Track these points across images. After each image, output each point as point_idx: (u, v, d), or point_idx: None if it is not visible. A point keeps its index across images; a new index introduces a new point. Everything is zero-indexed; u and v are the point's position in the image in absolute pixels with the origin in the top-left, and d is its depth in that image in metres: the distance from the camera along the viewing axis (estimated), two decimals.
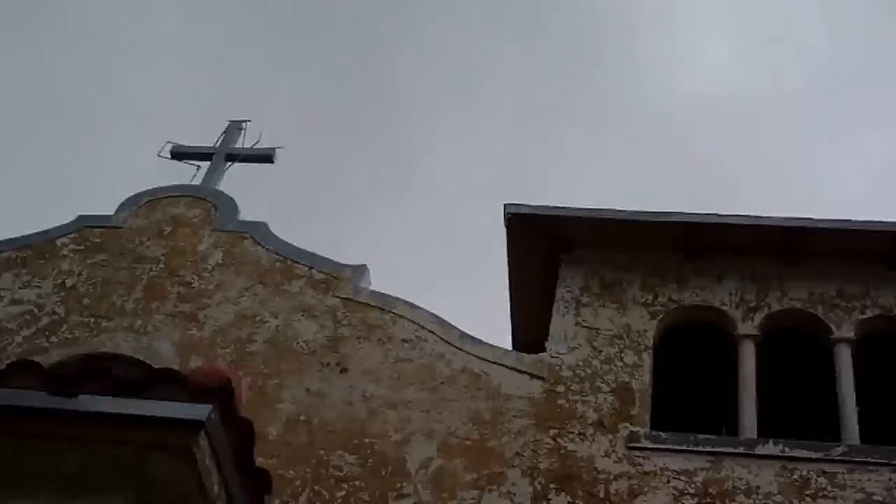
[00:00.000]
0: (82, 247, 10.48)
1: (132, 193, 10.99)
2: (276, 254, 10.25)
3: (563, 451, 8.74)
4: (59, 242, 10.52)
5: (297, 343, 9.55)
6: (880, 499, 8.30)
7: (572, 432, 8.87)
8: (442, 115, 28.76)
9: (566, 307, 9.76)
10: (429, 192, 27.95)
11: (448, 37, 27.53)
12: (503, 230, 10.12)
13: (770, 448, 8.66)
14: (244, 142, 11.83)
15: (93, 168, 25.69)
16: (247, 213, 10.76)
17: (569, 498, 8.44)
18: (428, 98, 29.23)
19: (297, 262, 10.17)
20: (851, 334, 9.47)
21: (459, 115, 28.53)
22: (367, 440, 8.86)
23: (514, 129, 27.60)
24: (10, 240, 10.59)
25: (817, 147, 27.89)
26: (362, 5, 27.62)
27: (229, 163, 11.61)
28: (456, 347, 9.41)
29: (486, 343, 9.50)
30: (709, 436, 8.85)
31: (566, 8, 27.87)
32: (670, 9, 28.70)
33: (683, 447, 8.69)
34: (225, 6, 27.39)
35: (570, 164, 26.95)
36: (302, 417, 9.02)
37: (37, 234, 10.61)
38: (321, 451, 8.80)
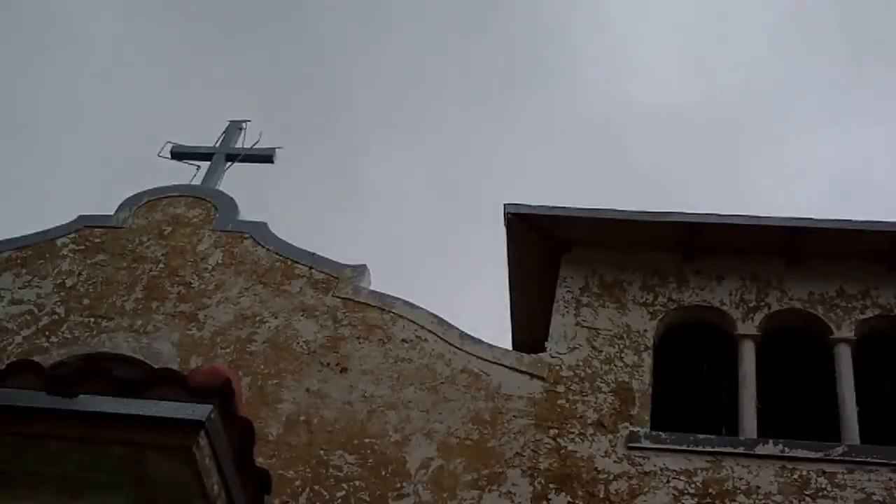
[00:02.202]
0: (82, 247, 10.48)
1: (132, 193, 11.00)
2: (276, 254, 10.26)
3: (563, 451, 8.75)
4: (59, 242, 10.53)
5: (297, 343, 9.55)
6: (880, 499, 8.29)
7: (572, 432, 8.87)
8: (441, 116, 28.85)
9: (566, 307, 9.76)
10: (428, 191, 27.98)
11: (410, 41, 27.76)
12: (503, 230, 10.13)
13: (770, 448, 8.66)
14: (244, 142, 11.86)
15: (93, 168, 25.71)
16: (247, 213, 10.77)
17: (569, 498, 8.44)
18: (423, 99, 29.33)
19: (297, 262, 10.17)
20: (851, 334, 9.47)
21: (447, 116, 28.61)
22: (367, 440, 8.86)
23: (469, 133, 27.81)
24: (10, 240, 10.59)
25: (760, 151, 28.10)
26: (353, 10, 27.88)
27: (229, 163, 11.63)
28: (456, 347, 9.42)
29: (486, 343, 9.50)
30: (709, 436, 8.84)
31: (511, 18, 28.10)
32: (614, 20, 28.87)
33: (683, 447, 8.69)
34: (225, 7, 27.39)
35: (522, 170, 27.14)
36: (302, 417, 9.02)
37: (37, 234, 10.62)
38: (321, 451, 8.80)
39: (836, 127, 27.98)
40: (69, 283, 10.16)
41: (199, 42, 27.91)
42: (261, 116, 13.37)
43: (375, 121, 27.95)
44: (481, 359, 9.35)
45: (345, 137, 26.85)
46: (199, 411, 5.79)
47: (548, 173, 25.74)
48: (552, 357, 9.38)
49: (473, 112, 28.55)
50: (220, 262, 10.24)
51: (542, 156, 27.56)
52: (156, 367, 8.64)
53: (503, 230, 10.12)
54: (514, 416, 8.99)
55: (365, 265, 10.17)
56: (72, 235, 10.59)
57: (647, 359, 9.37)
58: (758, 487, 8.42)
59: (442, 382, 9.22)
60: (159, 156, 11.68)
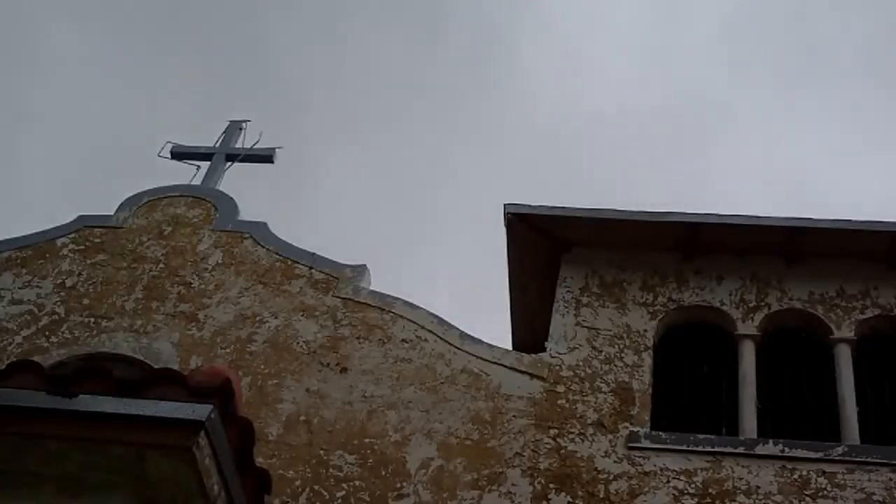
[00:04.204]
0: (82, 247, 10.48)
1: (132, 193, 11.00)
2: (276, 254, 10.26)
3: (563, 451, 8.75)
4: (59, 242, 10.53)
5: (297, 343, 9.55)
6: (880, 499, 8.30)
7: (572, 432, 8.87)
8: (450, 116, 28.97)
9: (566, 307, 9.76)
10: (429, 191, 28.01)
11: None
12: (503, 230, 10.13)
13: (770, 448, 8.67)
14: (244, 142, 11.87)
15: (93, 168, 25.72)
16: (247, 213, 10.77)
17: (569, 498, 8.44)
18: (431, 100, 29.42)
19: (297, 262, 10.17)
20: (851, 334, 9.47)
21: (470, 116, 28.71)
22: (367, 440, 8.86)
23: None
24: (10, 240, 10.60)
25: (711, 154, 28.26)
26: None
27: (229, 163, 11.63)
28: (456, 347, 9.42)
29: (486, 343, 9.51)
30: (709, 436, 8.85)
31: (461, 24, 28.25)
32: (562, 26, 28.96)
33: (683, 447, 8.69)
34: (225, 7, 27.41)
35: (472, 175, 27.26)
36: (302, 417, 9.02)
37: (37, 234, 10.62)
38: (321, 451, 8.80)
39: (788, 129, 28.19)
40: (69, 283, 10.16)
41: (200, 42, 27.91)
42: (260, 116, 13.36)
43: (338, 123, 28.07)
44: (481, 359, 9.35)
45: (314, 138, 26.93)
46: (199, 411, 5.79)
47: (499, 178, 25.83)
48: (552, 357, 9.39)
49: (430, 114, 28.78)
50: (220, 262, 10.24)
51: (492, 160, 27.70)
52: (156, 367, 8.65)
53: (503, 230, 10.13)
54: (514, 416, 9.00)
55: (365, 265, 10.18)
56: (72, 235, 10.59)
57: (647, 359, 9.37)
58: (758, 487, 8.43)
59: (442, 382, 9.22)
60: (159, 156, 11.71)
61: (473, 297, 23.80)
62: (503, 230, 10.13)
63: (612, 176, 26.53)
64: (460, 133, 28.55)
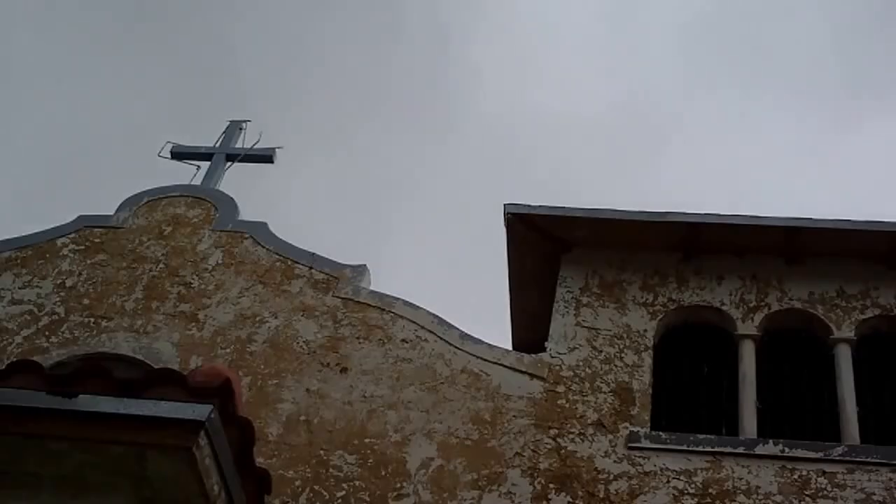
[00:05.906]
0: (82, 247, 10.48)
1: (132, 193, 11.00)
2: (276, 254, 10.26)
3: (563, 451, 8.75)
4: (59, 242, 10.53)
5: (297, 343, 9.55)
6: (880, 499, 8.30)
7: (572, 432, 8.87)
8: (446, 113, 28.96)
9: (566, 307, 9.76)
10: (429, 192, 28.01)
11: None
12: (503, 230, 10.13)
13: (770, 448, 8.67)
14: (244, 142, 11.87)
15: (93, 168, 25.72)
16: (247, 213, 10.77)
17: (569, 498, 8.44)
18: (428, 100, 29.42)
19: (297, 262, 10.17)
20: (851, 334, 9.47)
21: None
22: (367, 440, 8.86)
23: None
24: (10, 240, 10.60)
25: (666, 154, 28.29)
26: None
27: (229, 163, 11.64)
28: (456, 347, 9.42)
29: (486, 343, 9.50)
30: (709, 436, 8.84)
31: (415, 25, 28.31)
32: (517, 28, 28.98)
33: (683, 447, 8.69)
34: (225, 6, 27.42)
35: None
36: (302, 417, 9.02)
37: (37, 234, 10.62)
38: (321, 451, 8.80)
39: (739, 130, 28.27)
40: (69, 283, 10.16)
41: (200, 42, 27.92)
42: (261, 116, 13.37)
43: (335, 124, 28.08)
44: (481, 359, 9.35)
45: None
46: (199, 411, 5.80)
47: (498, 178, 25.83)
48: (552, 357, 9.39)
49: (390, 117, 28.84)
50: (220, 262, 10.24)
51: (489, 160, 27.71)
52: (156, 367, 8.66)
53: (503, 230, 10.13)
54: (514, 416, 9.00)
55: (365, 265, 10.17)
56: (72, 235, 10.59)
57: (647, 359, 9.37)
58: (758, 487, 8.43)
59: (442, 382, 9.22)
60: (159, 156, 11.71)
61: (473, 297, 23.79)
62: (503, 230, 10.14)
63: (580, 176, 26.67)
64: (458, 133, 28.60)
